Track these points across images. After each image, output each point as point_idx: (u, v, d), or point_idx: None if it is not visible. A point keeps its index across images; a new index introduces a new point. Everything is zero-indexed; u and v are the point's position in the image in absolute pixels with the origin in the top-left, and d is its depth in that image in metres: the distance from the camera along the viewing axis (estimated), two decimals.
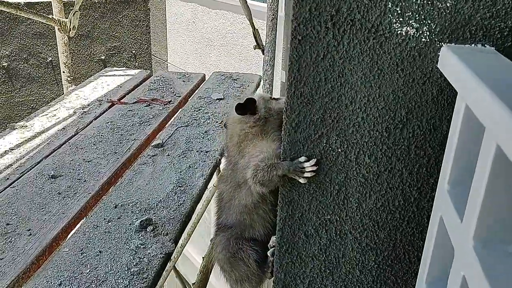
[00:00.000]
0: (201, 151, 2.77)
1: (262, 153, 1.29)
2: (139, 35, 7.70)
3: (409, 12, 0.94)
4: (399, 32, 0.95)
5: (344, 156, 1.09)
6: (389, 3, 0.94)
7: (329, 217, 1.17)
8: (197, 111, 3.30)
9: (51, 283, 1.73)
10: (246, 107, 1.37)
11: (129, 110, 3.26)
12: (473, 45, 0.92)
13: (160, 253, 1.93)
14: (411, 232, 1.13)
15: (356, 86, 1.02)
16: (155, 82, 3.77)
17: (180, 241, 3.03)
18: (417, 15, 0.93)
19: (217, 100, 3.47)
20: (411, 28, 0.95)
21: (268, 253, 1.33)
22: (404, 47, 0.97)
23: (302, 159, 1.12)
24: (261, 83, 3.58)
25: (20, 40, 6.52)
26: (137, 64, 7.82)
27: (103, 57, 7.50)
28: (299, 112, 1.07)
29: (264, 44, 3.50)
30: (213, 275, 2.76)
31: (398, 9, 0.94)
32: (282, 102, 1.36)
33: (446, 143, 0.91)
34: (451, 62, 0.86)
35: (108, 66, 6.92)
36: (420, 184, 1.08)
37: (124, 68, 4.49)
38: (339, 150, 1.09)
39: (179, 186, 2.42)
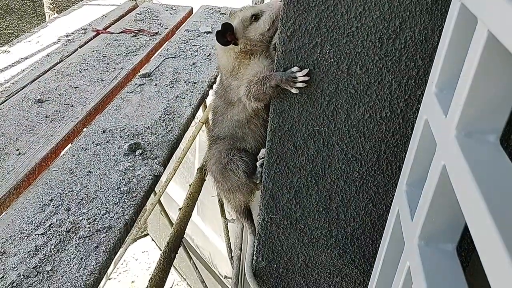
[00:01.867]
0: (189, 82, 2.76)
1: (254, 69, 1.30)
2: None
3: None
4: None
5: (336, 67, 1.12)
6: None
7: (318, 128, 1.21)
8: (184, 43, 3.25)
9: (42, 198, 1.77)
10: (226, 35, 1.32)
11: (115, 40, 3.20)
12: None
13: (149, 175, 1.97)
14: (395, 144, 1.18)
15: None
16: (141, 13, 3.67)
17: (165, 176, 3.08)
18: None
19: (205, 33, 3.42)
20: None
21: (258, 164, 1.38)
22: None
23: (295, 69, 1.14)
24: None
25: None
26: None
27: None
28: (294, 20, 1.08)
29: None
30: (195, 212, 2.83)
31: None
32: (265, 20, 1.32)
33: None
34: None
35: None
36: (407, 96, 1.12)
37: None
38: (332, 60, 1.11)
39: (167, 114, 2.43)
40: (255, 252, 1.49)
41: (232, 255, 3.89)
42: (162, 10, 3.83)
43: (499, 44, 0.62)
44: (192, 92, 2.67)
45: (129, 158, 2.05)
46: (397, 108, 1.14)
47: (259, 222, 1.42)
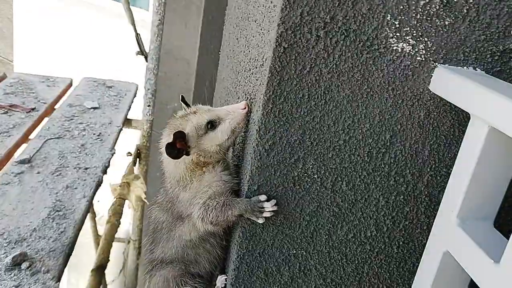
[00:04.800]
0: (79, 168, 2.38)
1: (211, 188, 1.07)
2: None
3: (407, 27, 0.86)
4: (394, 48, 0.87)
5: (320, 183, 0.97)
6: (388, 15, 0.85)
7: (294, 251, 1.02)
8: (69, 120, 2.86)
9: None
10: (176, 143, 1.07)
11: None
12: (465, 67, 0.88)
13: None
14: (379, 265, 1.05)
15: (341, 105, 0.90)
16: (12, 85, 3.19)
17: None
18: (414, 31, 0.86)
19: (92, 109, 3.07)
20: (407, 44, 0.87)
21: None
22: (398, 65, 0.88)
23: (262, 197, 0.98)
24: (144, 92, 3.29)
25: None
26: None
27: None
28: (274, 132, 0.91)
29: (147, 51, 3.23)
30: None
31: (396, 22, 0.85)
32: (223, 130, 1.08)
33: (451, 172, 0.84)
34: (458, 84, 0.80)
35: None
36: (394, 213, 1.01)
37: None
38: (315, 176, 0.96)
39: (57, 211, 2.02)
40: None
41: None
42: (37, 81, 3.38)
43: None
44: (84, 180, 2.29)
45: (13, 275, 1.62)
46: (383, 226, 1.02)
47: None
